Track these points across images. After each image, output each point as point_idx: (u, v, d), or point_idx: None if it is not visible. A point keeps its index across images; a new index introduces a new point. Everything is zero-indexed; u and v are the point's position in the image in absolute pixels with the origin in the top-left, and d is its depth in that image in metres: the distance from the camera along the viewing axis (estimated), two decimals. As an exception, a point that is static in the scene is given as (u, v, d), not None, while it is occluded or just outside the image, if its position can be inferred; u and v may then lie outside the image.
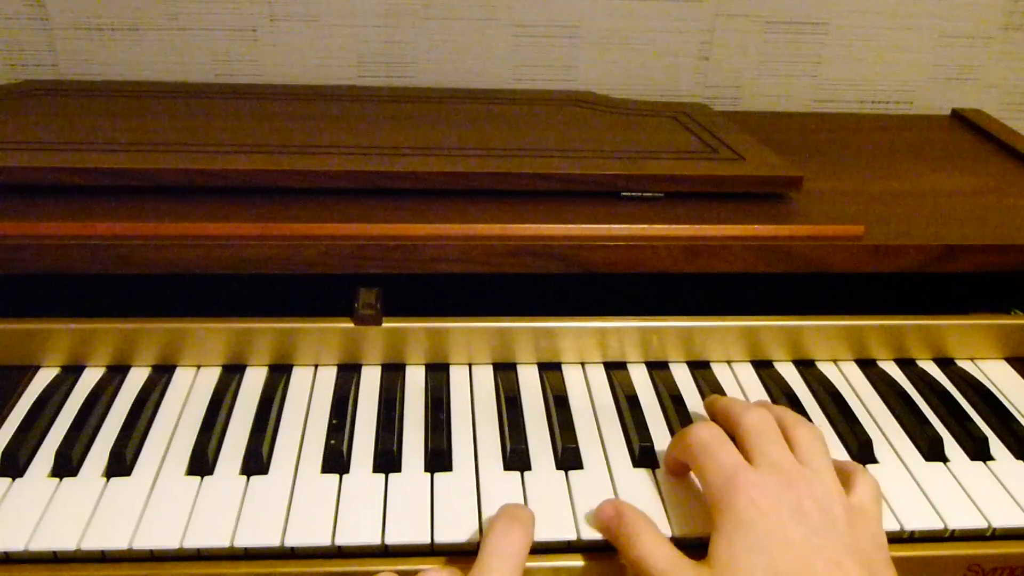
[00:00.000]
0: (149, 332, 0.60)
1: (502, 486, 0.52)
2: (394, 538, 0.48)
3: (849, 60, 0.97)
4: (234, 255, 0.59)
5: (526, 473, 0.53)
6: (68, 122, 0.73)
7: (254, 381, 0.61)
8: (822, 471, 0.47)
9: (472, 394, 0.60)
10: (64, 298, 0.63)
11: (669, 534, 0.49)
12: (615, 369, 0.64)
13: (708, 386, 0.62)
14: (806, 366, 0.65)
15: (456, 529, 0.49)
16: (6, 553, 0.47)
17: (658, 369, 0.64)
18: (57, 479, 0.51)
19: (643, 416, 0.58)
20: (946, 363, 0.66)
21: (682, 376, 0.63)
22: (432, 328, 0.62)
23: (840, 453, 0.57)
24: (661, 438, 0.56)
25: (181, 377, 0.61)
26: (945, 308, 0.66)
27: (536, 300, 0.65)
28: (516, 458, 0.54)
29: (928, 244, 0.64)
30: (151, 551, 0.47)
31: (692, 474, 0.51)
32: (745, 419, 0.50)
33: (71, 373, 0.61)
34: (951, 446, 0.57)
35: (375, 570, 0.45)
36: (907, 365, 0.66)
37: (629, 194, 0.67)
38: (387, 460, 0.53)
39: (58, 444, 0.53)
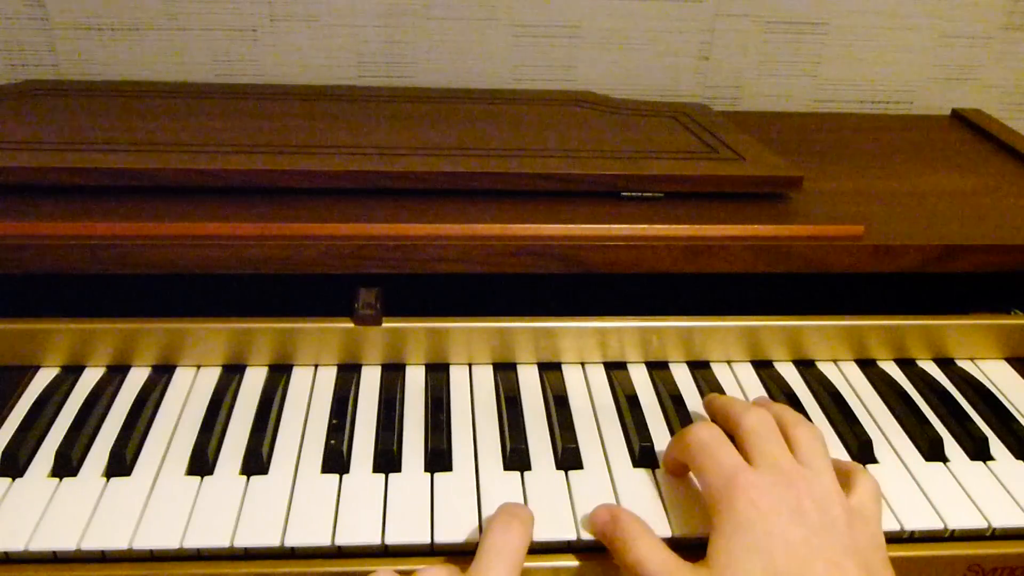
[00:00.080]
0: (149, 332, 0.60)
1: (502, 486, 0.52)
2: (394, 538, 0.48)
3: (849, 60, 0.97)
4: (234, 255, 0.59)
5: (526, 473, 0.53)
6: (68, 122, 0.73)
7: (254, 381, 0.61)
8: (821, 471, 0.47)
9: (472, 394, 0.60)
10: (64, 298, 0.63)
11: (669, 534, 0.49)
12: (615, 369, 0.64)
13: (708, 386, 0.62)
14: (806, 366, 0.65)
15: (456, 529, 0.49)
16: (6, 553, 0.47)
17: (658, 369, 0.64)
18: (57, 479, 0.51)
19: (643, 416, 0.58)
20: (946, 363, 0.66)
21: (682, 376, 0.63)
22: (432, 328, 0.62)
23: (840, 453, 0.57)
24: (661, 438, 0.56)
25: (181, 377, 0.61)
26: (945, 308, 0.66)
27: (536, 300, 0.65)
28: (516, 458, 0.54)
29: (928, 244, 0.64)
30: (151, 551, 0.47)
31: (691, 474, 0.51)
32: (744, 419, 0.50)
33: (71, 373, 0.61)
34: (951, 446, 0.57)
35: (375, 570, 0.45)
36: (907, 365, 0.66)
37: (629, 194, 0.67)
38: (387, 460, 0.53)
39: (58, 444, 0.53)
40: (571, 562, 0.49)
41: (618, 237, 0.62)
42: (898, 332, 0.65)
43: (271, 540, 0.48)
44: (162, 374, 0.61)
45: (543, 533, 0.48)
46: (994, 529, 0.51)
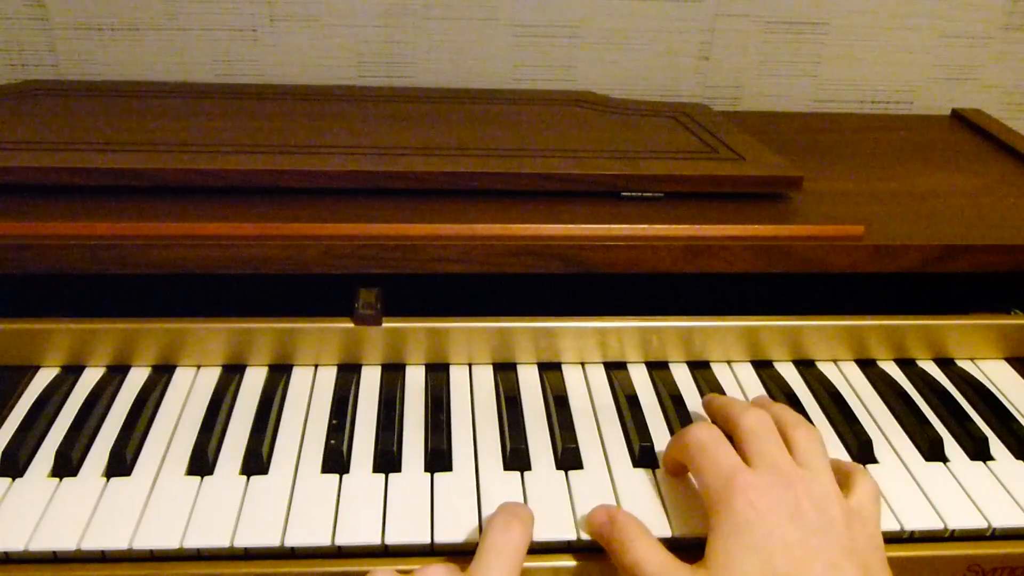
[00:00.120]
0: (149, 332, 0.60)
1: (502, 486, 0.52)
2: (394, 538, 0.48)
3: (849, 60, 0.97)
4: (234, 255, 0.59)
5: (526, 473, 0.53)
6: (68, 122, 0.73)
7: (254, 381, 0.61)
8: (820, 472, 0.47)
9: (472, 394, 0.60)
10: (64, 298, 0.63)
11: (669, 534, 0.49)
12: (615, 369, 0.64)
13: (708, 386, 0.62)
14: (806, 366, 0.65)
15: (456, 529, 0.49)
16: (6, 553, 0.47)
17: (658, 369, 0.64)
18: (57, 479, 0.51)
19: (643, 416, 0.58)
20: (946, 363, 0.66)
21: (682, 376, 0.63)
22: (432, 328, 0.62)
23: (840, 453, 0.57)
24: (661, 438, 0.56)
25: (181, 377, 0.61)
26: (945, 308, 0.66)
27: (536, 300, 0.65)
28: (516, 458, 0.54)
29: (928, 244, 0.64)
30: (151, 551, 0.47)
31: (690, 475, 0.51)
32: (743, 420, 0.50)
33: (71, 373, 0.61)
34: (951, 446, 0.57)
35: (374, 570, 0.45)
36: (907, 365, 0.66)
37: (629, 194, 0.67)
38: (387, 460, 0.53)
39: (58, 444, 0.53)
40: (571, 562, 0.49)
41: (618, 237, 0.62)
42: (898, 332, 0.65)
43: (271, 540, 0.48)
44: (162, 374, 0.61)
45: (543, 533, 0.48)
46: (994, 529, 0.51)
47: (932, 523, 0.51)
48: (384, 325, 0.61)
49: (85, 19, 0.89)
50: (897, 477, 0.54)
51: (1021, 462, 0.56)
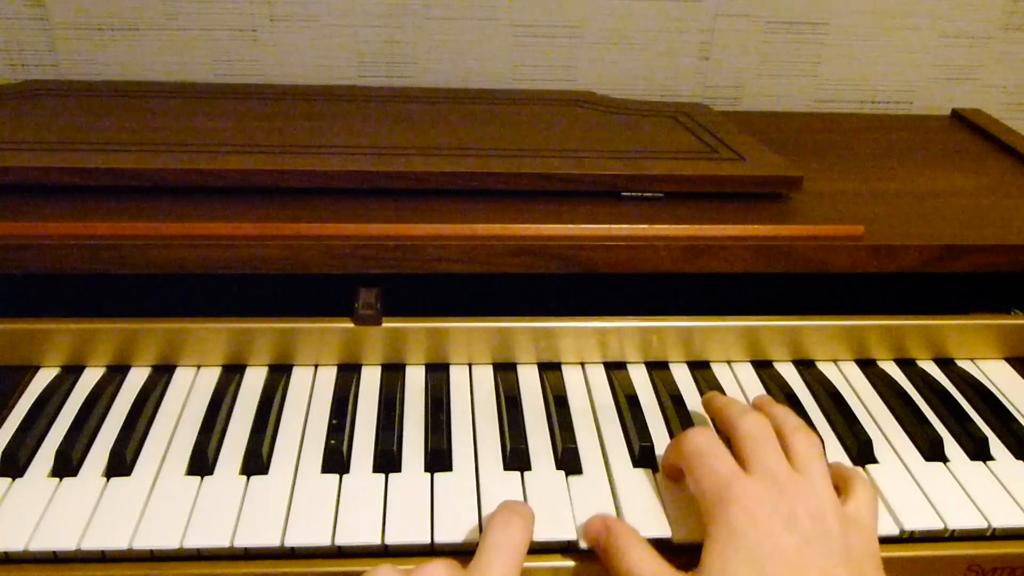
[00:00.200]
0: (149, 332, 0.60)
1: (502, 486, 0.52)
2: (394, 538, 0.48)
3: (849, 60, 0.97)
4: (234, 255, 0.59)
5: (526, 473, 0.53)
6: (68, 122, 0.73)
7: (254, 381, 0.61)
8: (817, 479, 0.47)
9: (472, 394, 0.60)
10: (64, 298, 0.63)
11: (668, 534, 0.49)
12: (615, 369, 0.64)
13: (708, 386, 0.62)
14: (806, 366, 0.65)
15: (456, 529, 0.49)
16: (6, 553, 0.47)
17: (658, 369, 0.64)
18: (57, 479, 0.51)
19: (643, 416, 0.58)
20: (946, 363, 0.66)
21: (682, 376, 0.63)
22: (432, 328, 0.62)
23: (840, 453, 0.57)
24: (661, 438, 0.56)
25: (181, 377, 0.61)
26: (945, 308, 0.66)
27: (536, 300, 0.65)
28: (516, 458, 0.54)
29: (928, 244, 0.64)
30: (151, 551, 0.47)
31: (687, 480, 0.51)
32: (742, 424, 0.50)
33: (71, 373, 0.61)
34: (951, 446, 0.57)
35: (376, 567, 0.45)
36: (907, 365, 0.66)
37: (629, 194, 0.67)
38: (387, 460, 0.53)
39: (58, 444, 0.53)
40: (571, 562, 0.49)
41: (618, 237, 0.62)
42: (898, 332, 0.65)
43: (271, 540, 0.48)
44: (162, 374, 0.61)
45: (543, 533, 0.48)
46: (994, 529, 0.51)
47: (932, 523, 0.51)
48: (384, 325, 0.61)
49: (85, 19, 0.89)
50: (897, 477, 0.54)
51: (1021, 462, 0.56)
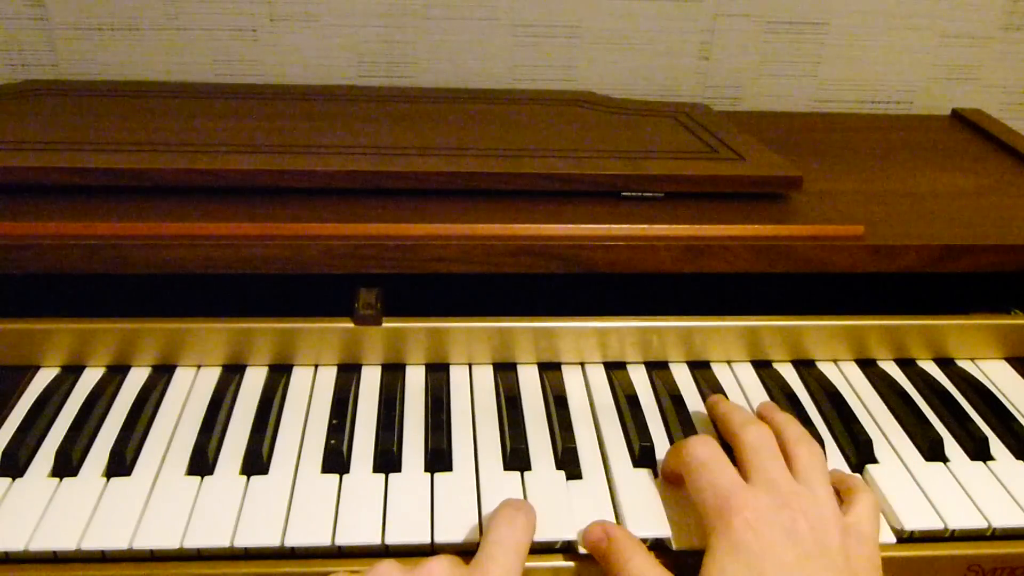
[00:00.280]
0: (149, 332, 0.60)
1: (502, 486, 0.52)
2: (394, 538, 0.48)
3: (849, 60, 0.97)
4: (234, 255, 0.59)
5: (526, 473, 0.53)
6: (68, 122, 0.73)
7: (254, 381, 0.61)
8: (819, 491, 0.47)
9: (472, 394, 0.60)
10: (64, 298, 0.63)
11: (668, 535, 0.49)
12: (615, 369, 0.64)
13: (708, 386, 0.62)
14: (806, 366, 0.65)
15: (456, 529, 0.49)
16: (6, 553, 0.47)
17: (658, 369, 0.64)
18: (57, 479, 0.51)
19: (643, 416, 0.58)
20: (946, 363, 0.66)
21: (682, 376, 0.63)
22: (432, 328, 0.62)
23: (840, 454, 0.57)
24: (661, 438, 0.56)
25: (181, 377, 0.61)
26: (945, 308, 0.66)
27: (536, 300, 0.65)
28: (516, 458, 0.54)
29: (928, 244, 0.64)
30: (151, 551, 0.47)
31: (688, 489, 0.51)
32: (745, 434, 0.50)
33: (71, 373, 0.61)
34: (951, 446, 0.57)
35: (379, 563, 0.45)
36: (907, 365, 0.66)
37: (629, 194, 0.67)
38: (387, 460, 0.53)
39: (58, 444, 0.53)
40: (571, 562, 0.49)
41: (618, 237, 0.62)
42: (898, 332, 0.65)
43: (271, 540, 0.48)
44: (162, 374, 0.61)
45: (543, 533, 0.48)
46: (994, 529, 0.51)
47: (932, 523, 0.51)
48: (384, 325, 0.61)
49: (85, 19, 0.89)
50: (897, 477, 0.54)
51: (1021, 462, 0.56)
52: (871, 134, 0.88)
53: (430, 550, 0.48)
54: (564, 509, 0.50)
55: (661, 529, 0.49)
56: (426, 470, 0.53)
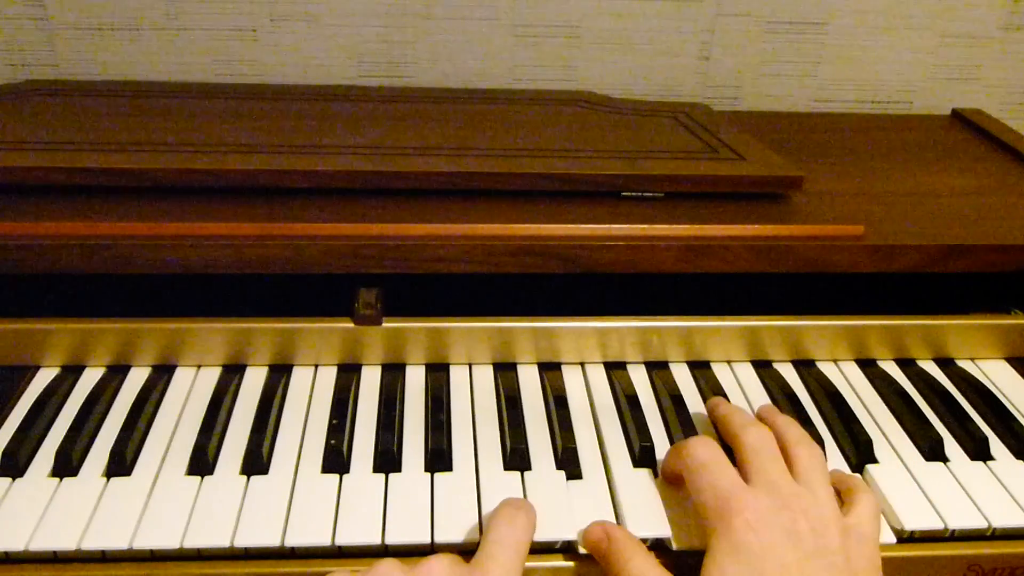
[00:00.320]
0: (149, 332, 0.60)
1: (502, 486, 0.52)
2: (394, 538, 0.48)
3: (849, 60, 0.97)
4: (234, 255, 0.59)
5: (526, 473, 0.53)
6: (68, 122, 0.73)
7: (254, 381, 0.61)
8: (819, 492, 0.47)
9: (472, 394, 0.60)
10: (64, 298, 0.63)
11: (668, 534, 0.49)
12: (615, 369, 0.64)
13: (708, 386, 0.62)
14: (806, 366, 0.65)
15: (456, 529, 0.49)
16: (6, 553, 0.47)
17: (658, 369, 0.64)
18: (57, 479, 0.51)
19: (643, 416, 0.58)
20: (946, 363, 0.66)
21: (682, 376, 0.63)
22: (432, 328, 0.62)
23: (840, 454, 0.57)
24: (661, 438, 0.56)
25: (181, 377, 0.61)
26: (945, 308, 0.66)
27: (536, 300, 0.65)
28: (516, 458, 0.54)
29: (928, 244, 0.64)
30: (151, 551, 0.47)
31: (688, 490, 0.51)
32: (745, 436, 0.50)
33: (71, 373, 0.61)
34: (951, 446, 0.57)
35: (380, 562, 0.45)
36: (907, 365, 0.66)
37: (629, 194, 0.67)
38: (387, 460, 0.53)
39: (58, 444, 0.53)
40: (571, 562, 0.49)
41: (618, 237, 0.62)
42: (898, 332, 0.65)
43: (271, 540, 0.48)
44: (162, 374, 0.61)
45: (543, 533, 0.48)
46: (994, 529, 0.51)
47: (932, 523, 0.51)
48: (384, 325, 0.61)
49: (85, 19, 0.89)
50: (897, 477, 0.54)
51: (1021, 462, 0.56)
52: (871, 134, 0.88)
53: (430, 550, 0.48)
54: (564, 509, 0.50)
55: (661, 529, 0.49)
56: (426, 470, 0.53)
